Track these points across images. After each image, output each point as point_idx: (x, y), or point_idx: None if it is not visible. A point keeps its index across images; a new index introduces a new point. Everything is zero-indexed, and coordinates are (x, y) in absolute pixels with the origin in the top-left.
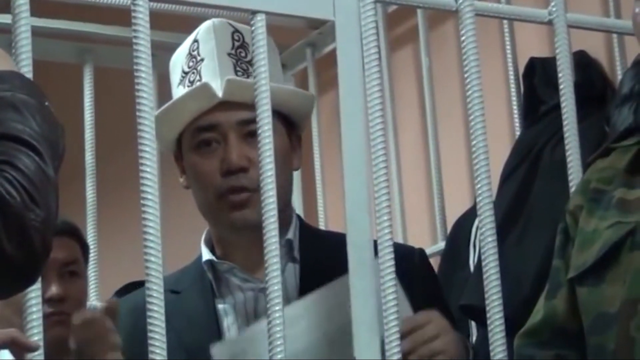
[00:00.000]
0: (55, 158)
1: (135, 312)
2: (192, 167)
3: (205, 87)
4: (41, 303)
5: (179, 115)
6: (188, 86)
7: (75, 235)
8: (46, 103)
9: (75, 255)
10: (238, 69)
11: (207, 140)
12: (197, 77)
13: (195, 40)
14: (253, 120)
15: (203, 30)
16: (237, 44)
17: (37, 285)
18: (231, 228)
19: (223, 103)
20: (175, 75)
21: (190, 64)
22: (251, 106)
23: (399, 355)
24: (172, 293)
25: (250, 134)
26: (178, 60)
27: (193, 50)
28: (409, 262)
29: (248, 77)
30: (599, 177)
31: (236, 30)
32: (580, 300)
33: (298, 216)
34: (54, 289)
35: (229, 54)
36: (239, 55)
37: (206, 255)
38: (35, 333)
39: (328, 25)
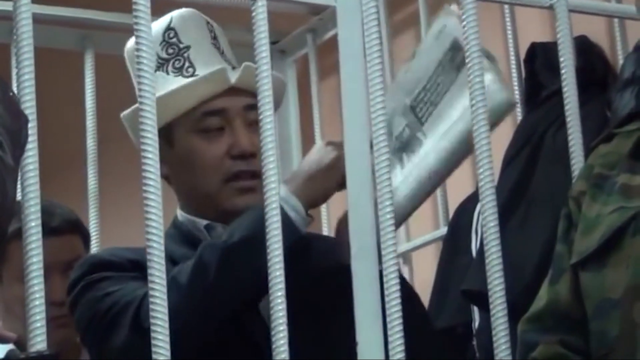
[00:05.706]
0: (16, 147)
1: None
2: (193, 151)
3: (222, 72)
4: (44, 302)
5: (182, 100)
6: (173, 72)
7: (78, 230)
8: (10, 93)
9: (79, 252)
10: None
11: (214, 125)
12: (187, 64)
13: (171, 28)
14: (256, 106)
15: (177, 18)
16: (211, 34)
17: (41, 286)
18: (232, 213)
19: (231, 89)
20: None
21: (170, 50)
22: (253, 92)
23: (401, 340)
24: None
25: (252, 122)
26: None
27: (170, 38)
28: None
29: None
30: (602, 162)
31: (207, 22)
32: (584, 286)
33: None
34: (58, 293)
35: (212, 44)
36: (216, 45)
37: (203, 222)
38: (39, 335)
39: (329, 10)
